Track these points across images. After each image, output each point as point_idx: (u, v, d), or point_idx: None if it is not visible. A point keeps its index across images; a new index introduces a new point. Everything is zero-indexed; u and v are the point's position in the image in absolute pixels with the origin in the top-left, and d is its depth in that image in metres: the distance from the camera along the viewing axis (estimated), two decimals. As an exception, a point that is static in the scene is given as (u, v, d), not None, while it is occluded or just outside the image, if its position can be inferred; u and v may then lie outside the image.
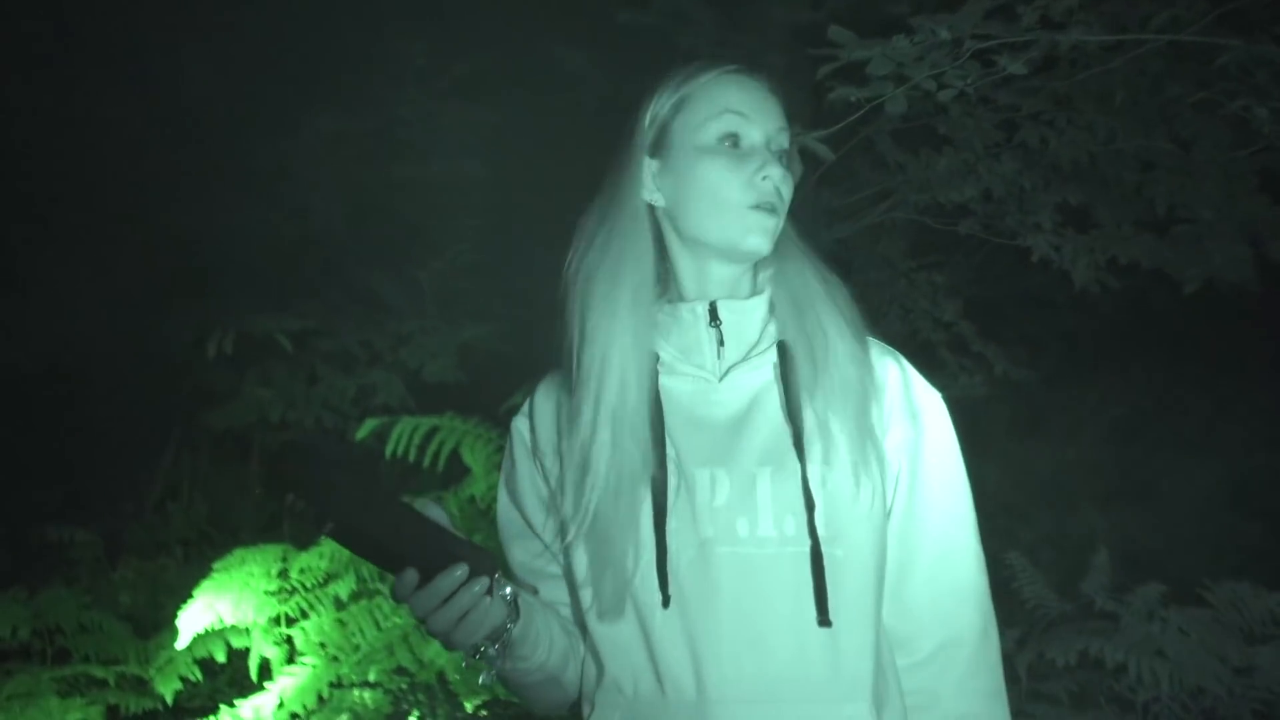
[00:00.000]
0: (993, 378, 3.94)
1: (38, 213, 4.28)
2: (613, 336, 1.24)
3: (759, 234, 1.23)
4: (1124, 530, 3.77)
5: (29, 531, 3.63)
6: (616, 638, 1.22)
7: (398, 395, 4.03)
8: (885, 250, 4.08)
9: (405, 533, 1.07)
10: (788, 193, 1.26)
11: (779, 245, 1.27)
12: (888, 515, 1.26)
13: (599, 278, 1.26)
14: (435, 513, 1.11)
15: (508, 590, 1.14)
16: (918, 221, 3.72)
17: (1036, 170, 3.31)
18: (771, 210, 1.24)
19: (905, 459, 1.27)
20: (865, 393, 1.24)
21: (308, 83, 4.14)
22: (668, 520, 1.20)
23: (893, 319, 3.95)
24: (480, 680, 1.16)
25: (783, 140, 1.27)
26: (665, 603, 1.18)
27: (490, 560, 1.08)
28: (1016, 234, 3.42)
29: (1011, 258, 3.57)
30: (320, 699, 2.91)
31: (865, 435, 1.22)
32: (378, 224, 4.35)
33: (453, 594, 1.07)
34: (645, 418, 1.23)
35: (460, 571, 1.05)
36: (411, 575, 1.07)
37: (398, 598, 1.10)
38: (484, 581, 1.07)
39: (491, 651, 1.14)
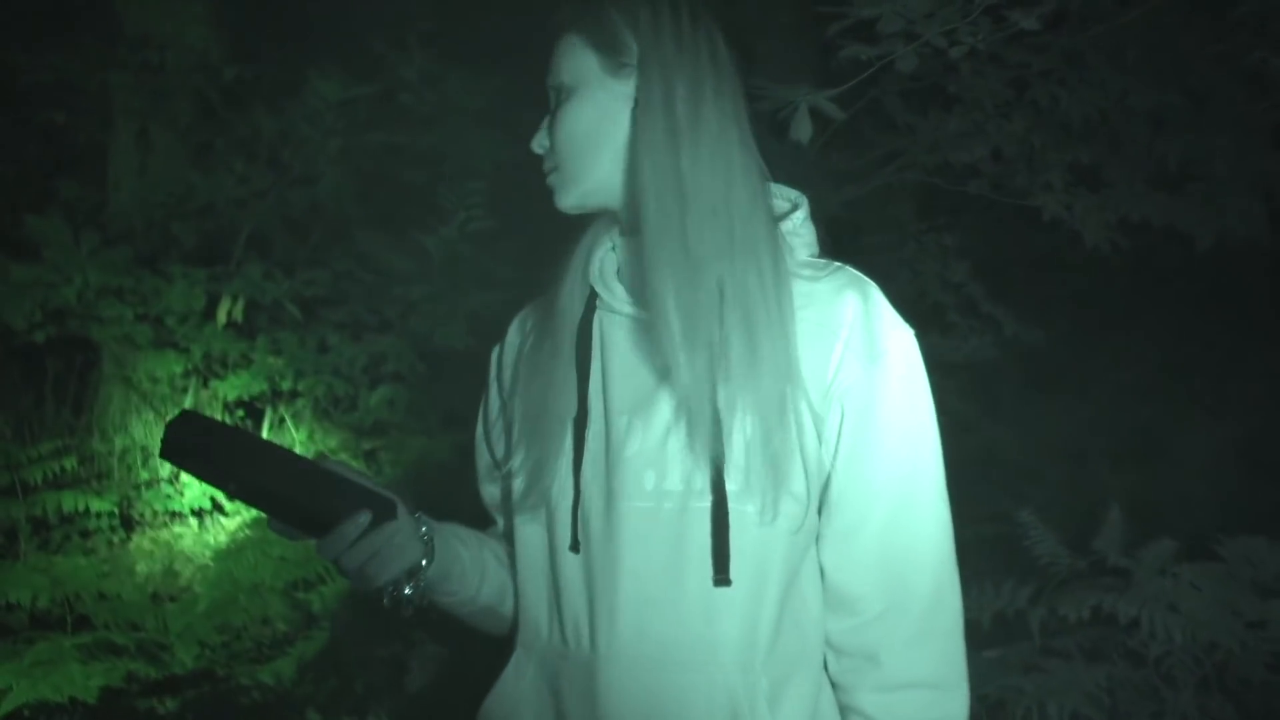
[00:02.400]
0: (1003, 339, 3.93)
1: (40, 178, 4.27)
2: (562, 273, 1.25)
3: (554, 198, 1.21)
4: (1135, 489, 3.77)
5: (44, 500, 3.64)
6: (533, 577, 1.23)
7: (408, 363, 4.04)
8: (894, 212, 4.06)
9: (306, 486, 1.09)
10: (549, 142, 1.20)
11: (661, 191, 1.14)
12: (824, 468, 1.16)
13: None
14: (333, 465, 1.14)
15: (423, 530, 1.16)
16: (927, 183, 3.69)
17: (1047, 129, 3.28)
18: (546, 172, 1.21)
19: (853, 403, 1.15)
20: (784, 338, 1.13)
21: (310, 44, 4.12)
22: (583, 466, 1.17)
23: (902, 281, 3.93)
24: (403, 615, 1.18)
25: (553, 82, 1.20)
26: (574, 547, 1.17)
27: (392, 505, 1.12)
28: (1027, 194, 3.40)
29: (1022, 218, 3.55)
30: (338, 662, 2.94)
31: (782, 383, 1.12)
32: (384, 190, 4.33)
33: (358, 539, 1.09)
34: (572, 358, 1.21)
35: (363, 518, 1.09)
36: (318, 527, 1.10)
37: (298, 539, 1.13)
38: (392, 525, 1.11)
39: (407, 590, 1.15)
